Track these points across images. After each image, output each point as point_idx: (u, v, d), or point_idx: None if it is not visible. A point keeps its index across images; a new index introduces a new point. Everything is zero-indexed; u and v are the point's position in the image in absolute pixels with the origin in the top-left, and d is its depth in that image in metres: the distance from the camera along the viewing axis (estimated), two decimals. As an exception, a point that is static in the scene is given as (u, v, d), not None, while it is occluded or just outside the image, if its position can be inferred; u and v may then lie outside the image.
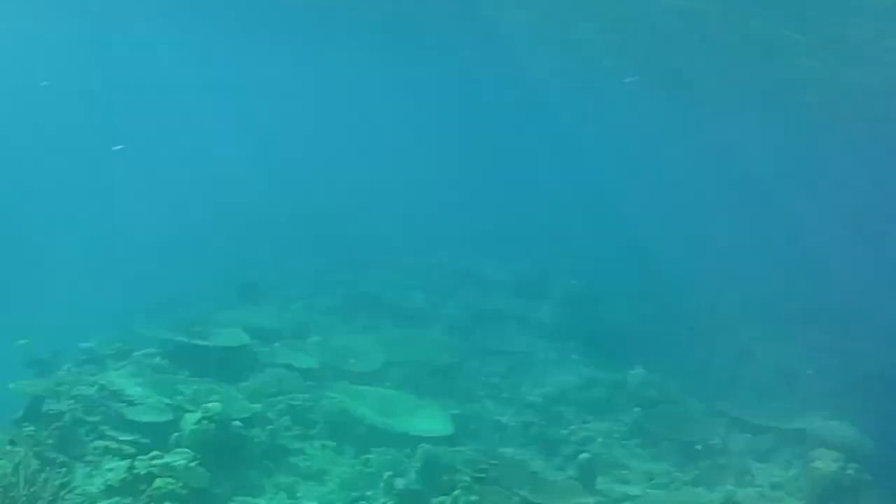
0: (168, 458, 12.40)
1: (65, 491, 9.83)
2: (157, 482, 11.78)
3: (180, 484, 11.80)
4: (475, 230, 32.63)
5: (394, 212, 33.01)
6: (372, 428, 15.06)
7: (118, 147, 23.18)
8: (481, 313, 23.28)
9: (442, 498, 13.00)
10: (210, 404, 13.25)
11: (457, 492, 12.97)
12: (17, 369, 14.97)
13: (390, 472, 13.57)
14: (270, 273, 24.01)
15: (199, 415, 13.04)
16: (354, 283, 23.98)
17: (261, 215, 30.30)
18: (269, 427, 14.28)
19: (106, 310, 21.14)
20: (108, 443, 12.84)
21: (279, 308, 21.08)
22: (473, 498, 12.92)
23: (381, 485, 13.42)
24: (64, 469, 11.23)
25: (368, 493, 13.47)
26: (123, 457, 12.66)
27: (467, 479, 13.44)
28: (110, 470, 12.34)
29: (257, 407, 14.62)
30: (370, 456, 14.53)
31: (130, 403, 13.60)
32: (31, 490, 9.34)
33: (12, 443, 11.34)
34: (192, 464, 12.35)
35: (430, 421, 15.83)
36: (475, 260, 28.04)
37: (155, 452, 12.56)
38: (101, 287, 24.01)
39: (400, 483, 13.28)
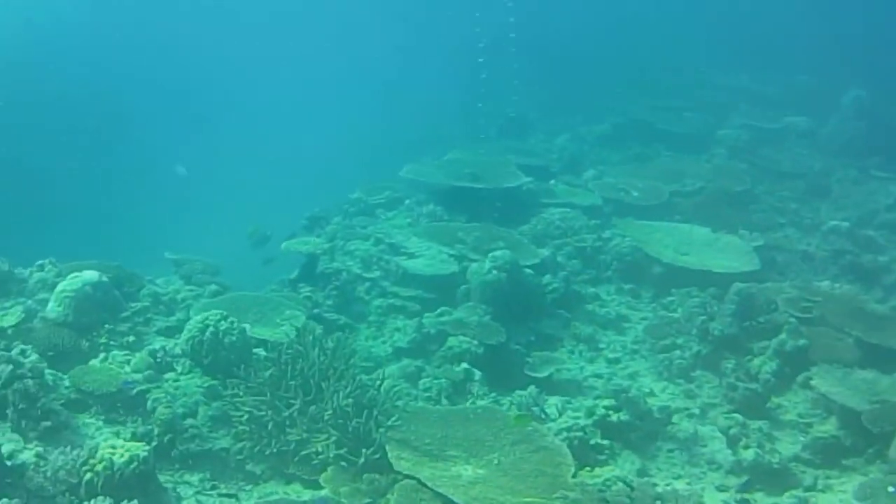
0: (458, 314, 11.17)
1: (355, 357, 8.69)
2: (450, 341, 10.63)
3: (475, 342, 10.51)
4: (737, 39, 28.80)
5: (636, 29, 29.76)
6: (669, 267, 13.37)
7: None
8: (762, 132, 20.62)
9: (764, 343, 10.99)
10: (497, 252, 11.79)
11: (782, 335, 10.84)
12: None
13: (703, 317, 11.66)
14: (529, 108, 22.06)
15: (487, 264, 11.62)
16: (622, 110, 21.55)
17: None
18: (562, 273, 12.66)
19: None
20: (390, 300, 11.81)
21: (546, 141, 19.22)
22: (801, 342, 10.76)
23: (694, 331, 11.57)
24: (348, 332, 10.19)
25: (679, 340, 11.74)
26: (409, 315, 11.61)
27: (793, 320, 11.20)
28: (396, 330, 11.34)
29: (545, 252, 12.96)
30: (672, 298, 12.93)
31: (410, 256, 12.41)
32: (322, 360, 8.24)
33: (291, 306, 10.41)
34: (485, 318, 11.00)
35: (732, 255, 13.92)
36: (745, 74, 25.07)
37: (443, 308, 11.41)
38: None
39: (715, 328, 11.31)
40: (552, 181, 16.12)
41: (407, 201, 14.98)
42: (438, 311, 11.38)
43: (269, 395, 8.14)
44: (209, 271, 11.78)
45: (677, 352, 11.42)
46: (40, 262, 10.65)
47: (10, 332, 8.97)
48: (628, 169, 17.87)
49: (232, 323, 8.94)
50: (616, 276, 13.58)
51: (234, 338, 8.86)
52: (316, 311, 11.09)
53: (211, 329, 8.80)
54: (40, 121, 24.48)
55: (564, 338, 11.89)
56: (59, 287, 9.41)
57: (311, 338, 8.66)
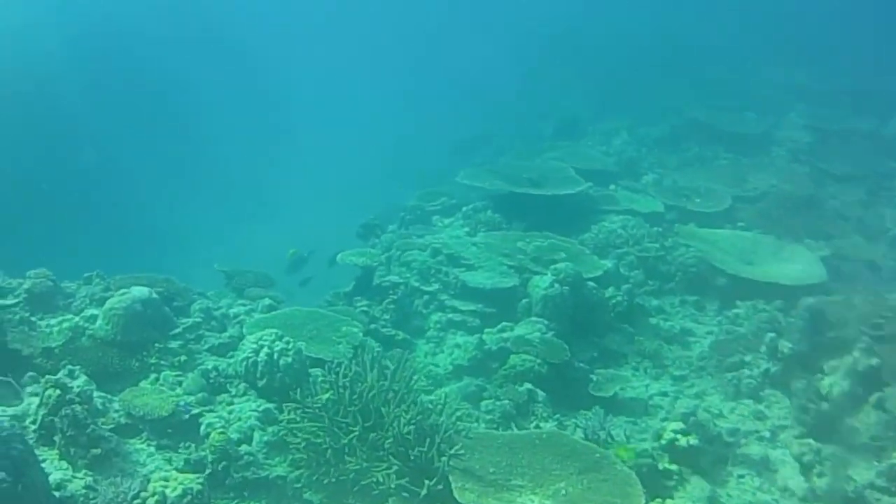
0: (520, 330, 10.68)
1: (416, 378, 8.26)
2: (512, 359, 10.15)
3: (538, 360, 10.01)
4: (795, 35, 27.95)
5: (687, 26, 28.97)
6: (734, 278, 12.82)
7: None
8: (824, 133, 19.86)
9: (833, 362, 10.35)
10: (560, 264, 11.30)
11: (855, 353, 10.19)
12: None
13: (772, 333, 11.12)
14: (582, 108, 21.53)
15: (549, 277, 11.13)
16: (678, 110, 20.93)
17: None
18: (626, 285, 12.15)
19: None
20: (449, 315, 11.36)
21: (603, 143, 18.65)
22: (874, 361, 10.12)
23: (763, 348, 11.01)
24: (407, 352, 9.74)
25: (747, 357, 11.17)
26: (469, 330, 11.15)
27: (865, 337, 10.58)
28: (456, 346, 10.87)
29: (608, 263, 12.43)
30: (738, 311, 12.41)
31: (469, 267, 11.94)
32: (382, 383, 7.81)
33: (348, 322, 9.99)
34: (548, 334, 10.50)
35: (797, 265, 13.38)
36: (801, 71, 24.24)
37: (504, 324, 10.96)
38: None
39: (785, 345, 10.75)
40: (612, 186, 15.57)
41: (464, 208, 14.49)
42: (499, 326, 10.91)
43: (327, 420, 7.72)
44: (262, 283, 11.41)
45: (745, 370, 10.88)
46: (87, 274, 10.36)
47: (57, 351, 8.64)
48: (688, 172, 17.32)
49: (287, 343, 8.55)
50: (680, 288, 13.02)
51: (289, 359, 8.47)
52: (373, 326, 10.67)
53: (266, 350, 8.43)
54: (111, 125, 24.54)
55: (628, 354, 11.37)
56: (108, 304, 9.06)
57: (369, 358, 8.24)
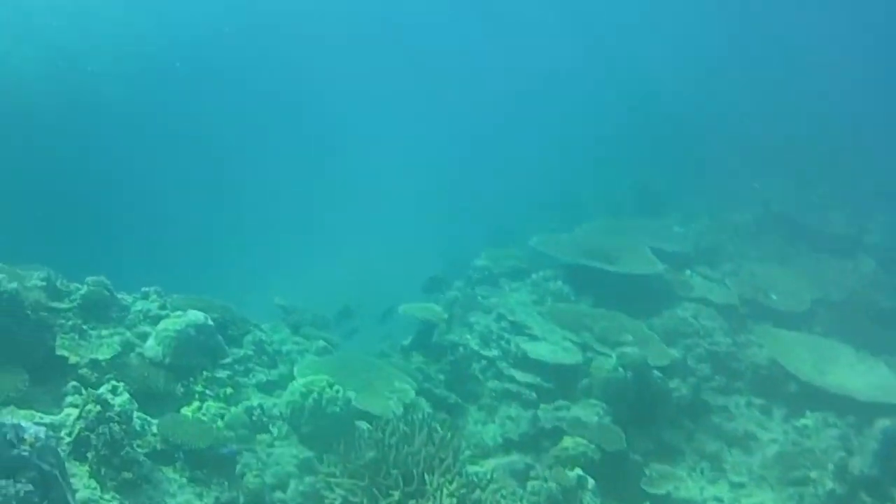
0: (577, 411, 10.24)
1: (464, 449, 7.87)
2: (566, 441, 9.69)
3: (592, 446, 9.53)
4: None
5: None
6: (806, 385, 12.16)
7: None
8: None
9: (905, 490, 9.79)
10: (626, 348, 10.90)
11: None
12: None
13: (842, 453, 10.58)
14: (660, 181, 21.06)
15: (613, 360, 10.68)
16: (763, 198, 20.28)
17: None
18: (692, 378, 11.62)
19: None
20: (506, 384, 10.90)
21: (684, 223, 18.17)
22: (952, 496, 9.50)
23: (831, 466, 10.41)
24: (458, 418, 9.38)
25: (812, 473, 10.58)
26: (524, 403, 10.69)
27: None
28: (509, 418, 10.42)
29: (675, 353, 11.91)
30: (807, 421, 11.69)
31: (532, 337, 11.52)
32: (429, 449, 7.43)
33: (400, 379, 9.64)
34: (606, 419, 10.02)
35: (875, 381, 12.59)
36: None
37: (561, 402, 10.51)
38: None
39: (854, 466, 10.10)
40: (688, 271, 15.05)
41: (533, 275, 14.09)
42: (556, 403, 10.49)
43: (367, 480, 7.35)
44: (318, 324, 11.15)
45: (810, 487, 10.29)
46: (145, 289, 10.14)
47: (104, 364, 8.42)
48: (768, 267, 16.63)
49: (337, 392, 8.24)
50: (748, 388, 12.40)
51: (337, 409, 8.18)
52: (426, 385, 10.31)
53: (314, 396, 8.13)
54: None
55: (686, 451, 10.85)
56: (162, 325, 8.86)
57: (419, 419, 7.88)
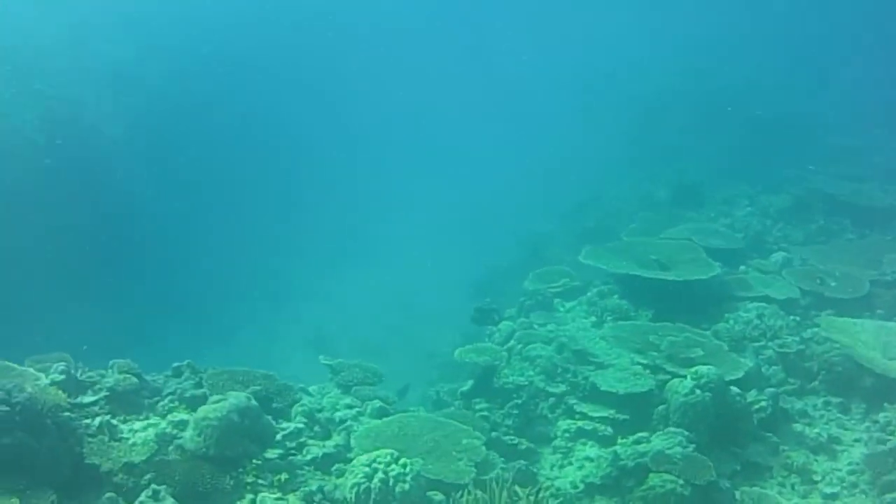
0: (658, 443, 9.41)
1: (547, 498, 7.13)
2: (651, 479, 8.90)
3: (681, 481, 8.74)
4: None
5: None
6: (879, 378, 11.30)
7: None
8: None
9: None
10: (701, 367, 10.05)
11: None
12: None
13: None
14: (696, 170, 20.40)
15: (689, 382, 9.86)
16: (799, 178, 19.53)
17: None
18: (770, 388, 10.85)
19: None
20: (579, 422, 10.12)
21: (725, 213, 17.45)
22: None
23: (923, 464, 9.60)
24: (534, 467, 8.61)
25: (902, 475, 9.78)
26: (601, 440, 9.90)
27: None
28: (588, 460, 9.63)
29: (749, 362, 11.13)
30: (887, 415, 10.89)
31: (598, 366, 10.73)
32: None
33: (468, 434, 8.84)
34: (689, 448, 9.22)
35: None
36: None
37: (640, 434, 9.73)
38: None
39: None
40: (742, 267, 14.27)
41: (588, 293, 13.37)
42: (635, 437, 9.72)
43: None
44: (370, 380, 10.29)
45: (900, 495, 9.43)
46: (177, 364, 9.37)
47: (140, 466, 7.62)
48: (818, 250, 15.84)
49: (404, 466, 7.48)
50: (823, 388, 11.63)
51: (406, 486, 7.40)
52: (494, 434, 9.54)
53: (380, 475, 7.35)
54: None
55: (774, 466, 10.04)
56: (201, 412, 8.05)
57: (496, 482, 7.15)
